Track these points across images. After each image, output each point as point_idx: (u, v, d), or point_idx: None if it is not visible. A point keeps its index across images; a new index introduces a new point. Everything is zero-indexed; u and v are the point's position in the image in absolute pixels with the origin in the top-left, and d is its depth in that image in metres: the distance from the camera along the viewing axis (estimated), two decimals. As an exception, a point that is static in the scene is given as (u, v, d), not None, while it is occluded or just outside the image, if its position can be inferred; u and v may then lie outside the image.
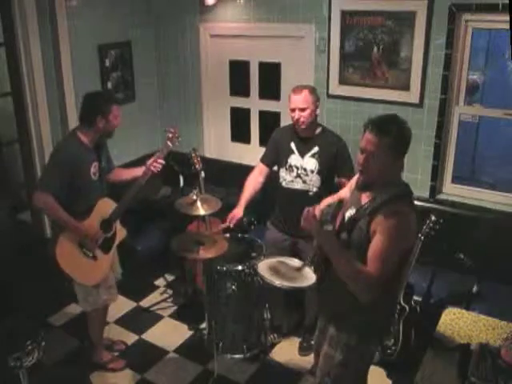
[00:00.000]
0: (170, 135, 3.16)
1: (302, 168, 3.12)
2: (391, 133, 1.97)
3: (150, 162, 3.13)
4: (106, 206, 3.04)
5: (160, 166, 3.15)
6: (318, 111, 3.10)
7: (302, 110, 3.01)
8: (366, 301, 1.95)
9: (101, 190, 3.06)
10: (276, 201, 3.35)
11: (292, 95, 3.07)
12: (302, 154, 3.11)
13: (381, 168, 2.01)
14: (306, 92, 3.03)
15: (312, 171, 3.09)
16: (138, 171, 3.17)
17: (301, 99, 3.01)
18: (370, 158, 2.00)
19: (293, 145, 3.16)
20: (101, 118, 2.88)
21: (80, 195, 2.92)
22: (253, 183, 3.34)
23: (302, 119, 3.03)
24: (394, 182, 2.07)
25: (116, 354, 3.47)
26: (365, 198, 2.10)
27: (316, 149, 3.09)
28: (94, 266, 3.02)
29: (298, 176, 3.14)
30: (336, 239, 2.06)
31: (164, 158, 3.16)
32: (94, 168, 2.97)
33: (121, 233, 3.20)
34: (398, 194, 2.03)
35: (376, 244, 1.95)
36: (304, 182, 3.13)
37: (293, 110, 3.05)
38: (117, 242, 3.15)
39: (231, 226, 3.30)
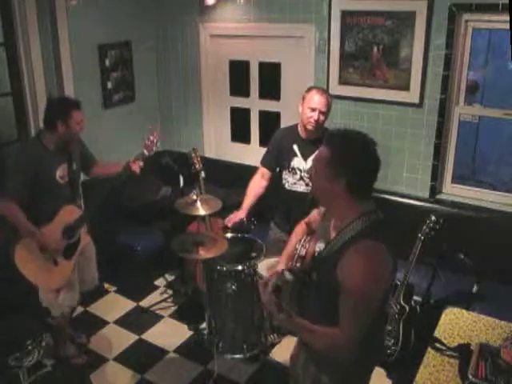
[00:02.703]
0: (148, 142, 3.14)
1: (305, 171, 3.12)
2: (331, 147, 1.71)
3: (130, 162, 3.14)
4: (69, 213, 3.03)
5: (138, 169, 3.14)
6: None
7: (323, 113, 3.02)
8: (346, 358, 1.70)
9: (70, 193, 3.06)
10: (278, 201, 3.34)
11: (315, 95, 3.03)
12: (305, 157, 3.10)
13: (320, 185, 1.75)
14: (325, 95, 3.04)
15: None
16: (115, 168, 3.19)
17: (324, 102, 3.02)
18: (313, 171, 1.79)
19: (296, 147, 3.15)
20: (61, 124, 2.87)
21: (45, 199, 2.92)
22: (255, 188, 3.34)
23: (319, 121, 3.03)
24: (353, 210, 1.74)
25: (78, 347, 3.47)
26: (332, 232, 1.83)
27: None
28: (54, 272, 3.02)
29: (301, 179, 3.14)
30: (294, 317, 1.76)
31: (143, 160, 3.16)
32: (61, 172, 2.97)
33: (85, 240, 3.21)
34: (363, 229, 1.71)
35: (345, 302, 1.67)
36: (307, 184, 3.12)
37: (313, 110, 3.01)
38: (79, 248, 3.14)
39: (228, 225, 3.30)
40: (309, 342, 1.80)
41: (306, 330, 1.76)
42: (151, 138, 3.15)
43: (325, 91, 3.12)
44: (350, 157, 1.68)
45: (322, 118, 3.03)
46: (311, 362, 1.90)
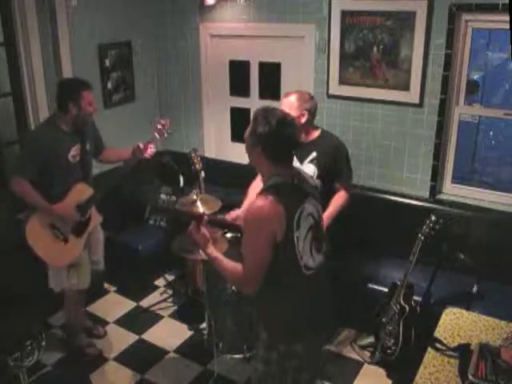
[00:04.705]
0: (159, 126, 3.15)
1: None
2: (252, 120, 2.05)
3: (141, 146, 3.13)
4: (81, 191, 3.06)
5: (151, 153, 3.15)
6: (305, 119, 2.98)
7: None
8: (246, 293, 2.09)
9: (81, 173, 3.09)
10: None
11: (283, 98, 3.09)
12: (301, 160, 3.06)
13: (249, 153, 2.10)
14: (292, 97, 3.01)
15: (312, 177, 3.05)
16: (125, 153, 3.20)
17: (285, 102, 3.01)
18: (245, 143, 2.11)
19: None
20: (73, 105, 2.91)
21: (57, 178, 2.96)
22: (257, 187, 3.31)
23: None
24: (269, 172, 2.08)
25: (94, 339, 3.57)
26: None
27: (314, 154, 3.05)
28: (64, 249, 3.05)
29: None
30: (210, 250, 2.18)
31: (155, 146, 3.18)
32: (74, 151, 3.01)
33: (96, 218, 3.24)
34: (264, 188, 2.06)
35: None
36: None
37: None
38: (91, 227, 3.18)
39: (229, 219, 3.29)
40: (220, 271, 2.15)
41: (217, 260, 2.13)
42: (162, 121, 3.17)
43: (294, 92, 3.05)
44: (262, 127, 2.00)
45: None
46: (263, 329, 2.17)
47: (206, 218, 2.25)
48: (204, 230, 2.21)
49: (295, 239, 2.00)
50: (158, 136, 3.15)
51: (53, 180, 2.96)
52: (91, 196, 3.09)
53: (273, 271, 2.00)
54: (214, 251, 2.18)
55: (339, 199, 3.11)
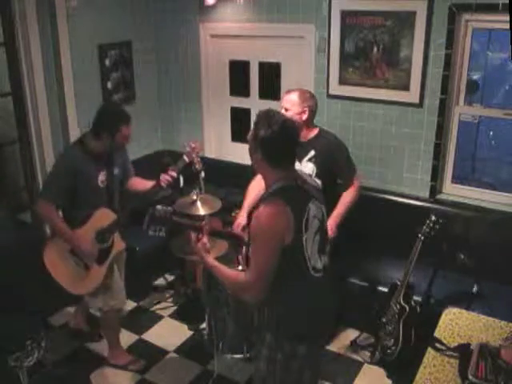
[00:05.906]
0: (189, 149, 3.14)
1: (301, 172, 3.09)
2: (254, 124, 2.04)
3: (162, 175, 3.12)
4: (104, 217, 2.98)
5: (170, 179, 3.11)
6: (306, 116, 3.00)
7: (286, 109, 2.99)
8: (253, 302, 2.09)
9: (107, 198, 3.02)
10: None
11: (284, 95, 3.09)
12: (300, 159, 3.05)
13: (251, 157, 2.08)
14: (293, 94, 3.02)
15: (310, 175, 3.04)
16: (149, 183, 3.17)
17: (286, 99, 3.02)
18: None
19: None
20: (107, 135, 2.86)
21: (84, 202, 2.91)
22: (255, 189, 3.31)
23: None
24: (272, 177, 2.05)
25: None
26: None
27: (312, 152, 3.05)
28: (85, 276, 2.98)
29: None
30: (209, 260, 2.18)
31: (178, 171, 3.15)
32: (102, 176, 2.96)
33: (119, 244, 3.14)
34: (270, 192, 2.03)
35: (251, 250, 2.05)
36: None
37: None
38: (113, 253, 3.07)
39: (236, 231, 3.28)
40: (221, 280, 2.15)
41: (217, 268, 2.13)
42: (192, 144, 3.15)
43: (296, 89, 3.07)
44: (262, 132, 1.98)
45: (285, 114, 3.01)
46: (268, 331, 2.13)
47: (206, 228, 2.23)
48: (204, 240, 2.20)
49: (304, 242, 1.99)
50: (187, 159, 3.12)
51: (80, 203, 2.90)
52: (114, 222, 3.00)
53: (280, 274, 1.98)
54: (212, 260, 2.18)
55: (347, 196, 3.11)
